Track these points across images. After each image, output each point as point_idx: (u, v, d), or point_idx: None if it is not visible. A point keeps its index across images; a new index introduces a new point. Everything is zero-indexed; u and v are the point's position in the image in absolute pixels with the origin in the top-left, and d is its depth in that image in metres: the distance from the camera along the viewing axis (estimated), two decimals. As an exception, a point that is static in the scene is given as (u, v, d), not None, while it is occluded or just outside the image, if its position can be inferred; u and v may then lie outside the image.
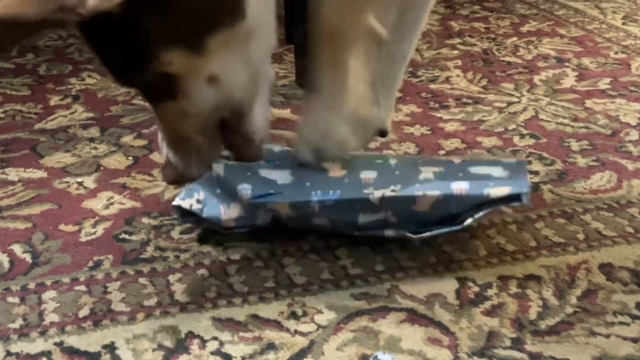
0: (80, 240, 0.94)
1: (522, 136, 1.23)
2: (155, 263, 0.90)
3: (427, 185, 0.89)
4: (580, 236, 0.96)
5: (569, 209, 1.02)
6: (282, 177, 0.92)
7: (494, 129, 1.26)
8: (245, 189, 0.90)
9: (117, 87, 1.37)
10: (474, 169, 0.92)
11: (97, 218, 0.99)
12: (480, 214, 0.89)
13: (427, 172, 0.91)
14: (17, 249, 0.92)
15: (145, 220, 0.99)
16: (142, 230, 0.96)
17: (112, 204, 1.02)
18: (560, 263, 0.91)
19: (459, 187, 0.88)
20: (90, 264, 0.90)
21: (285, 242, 0.93)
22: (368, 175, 0.91)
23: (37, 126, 1.24)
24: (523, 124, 1.27)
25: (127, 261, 0.90)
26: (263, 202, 0.90)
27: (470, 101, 1.36)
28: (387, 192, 0.88)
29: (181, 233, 0.96)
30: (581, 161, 1.15)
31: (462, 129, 1.26)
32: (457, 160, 0.96)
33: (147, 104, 0.85)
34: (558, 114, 1.31)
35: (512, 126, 1.27)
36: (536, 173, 1.11)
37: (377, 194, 0.88)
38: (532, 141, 1.21)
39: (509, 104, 1.35)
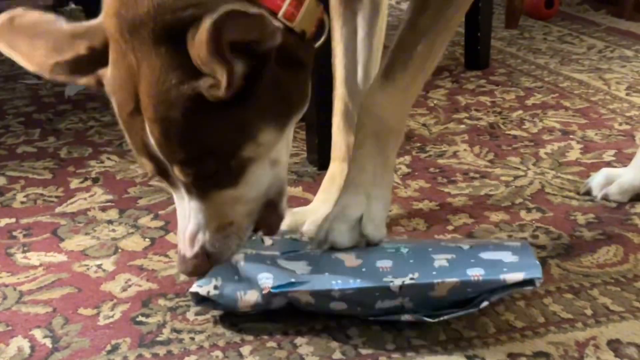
0: (99, 324, 0.97)
1: (529, 210, 1.26)
2: (171, 345, 0.93)
3: (444, 273, 0.93)
4: (588, 312, 0.98)
5: (576, 284, 1.04)
6: (300, 267, 0.96)
7: (501, 203, 1.29)
8: (267, 278, 0.94)
9: (135, 169, 1.42)
10: (485, 255, 0.96)
11: (115, 301, 1.02)
12: (495, 297, 0.92)
13: (440, 260, 0.95)
14: (38, 333, 0.95)
15: (161, 301, 1.01)
16: (158, 312, 0.99)
17: (129, 286, 1.05)
18: (568, 340, 0.92)
19: (475, 273, 0.92)
20: (108, 347, 0.92)
21: (298, 322, 0.96)
22: (384, 264, 0.95)
23: (58, 209, 1.28)
24: (529, 198, 1.30)
25: (144, 344, 0.93)
26: (285, 291, 0.93)
27: (477, 175, 1.40)
28: (407, 280, 0.92)
29: (196, 314, 0.98)
30: (587, 235, 1.17)
31: (470, 204, 1.29)
32: (465, 246, 1.00)
33: (177, 192, 0.89)
34: (564, 187, 1.34)
35: (518, 200, 1.29)
36: (543, 247, 1.14)
37: (397, 282, 0.92)
38: (538, 215, 1.24)
39: (516, 177, 1.38)
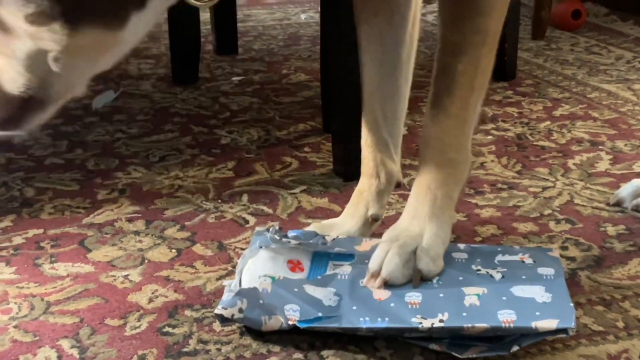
0: (126, 334, 0.97)
1: (558, 221, 1.24)
2: (198, 356, 0.92)
3: (474, 314, 0.91)
4: (620, 324, 0.96)
5: (607, 296, 1.02)
6: (327, 296, 0.95)
7: (530, 214, 1.27)
8: (294, 310, 0.93)
9: (161, 181, 1.43)
10: (517, 291, 0.94)
11: (141, 311, 1.02)
12: (527, 342, 0.90)
13: (471, 296, 0.93)
14: (65, 344, 0.95)
15: (188, 312, 1.01)
16: (185, 323, 0.99)
17: (156, 297, 1.05)
18: (600, 353, 0.91)
19: (506, 318, 0.90)
20: (135, 358, 0.92)
21: (325, 334, 0.95)
22: (413, 299, 0.94)
23: (85, 220, 1.29)
24: (558, 209, 1.28)
25: (170, 355, 0.93)
26: (311, 326, 0.93)
27: (505, 186, 1.38)
28: (436, 323, 0.90)
29: (223, 325, 0.98)
30: (618, 246, 1.15)
31: (498, 215, 1.27)
32: (497, 275, 0.98)
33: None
34: (593, 198, 1.32)
35: (547, 211, 1.28)
36: (573, 259, 1.12)
37: (426, 323, 0.90)
38: (567, 226, 1.22)
39: (544, 188, 1.37)
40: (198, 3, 0.82)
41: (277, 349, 0.93)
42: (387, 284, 0.97)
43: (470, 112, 0.99)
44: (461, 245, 1.07)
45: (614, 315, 0.98)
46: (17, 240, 1.22)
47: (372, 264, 0.99)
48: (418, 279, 0.97)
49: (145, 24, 0.80)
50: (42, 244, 1.21)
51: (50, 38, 0.73)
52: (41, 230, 1.25)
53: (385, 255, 0.98)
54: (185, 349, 0.94)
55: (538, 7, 2.44)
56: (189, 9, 2.02)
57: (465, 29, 0.95)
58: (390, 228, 1.03)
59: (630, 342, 0.92)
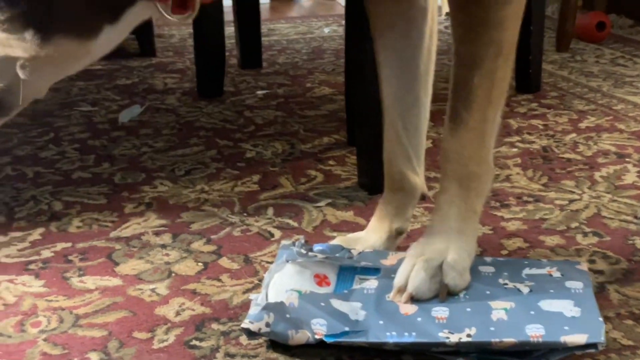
0: (153, 348, 0.98)
1: (585, 234, 1.23)
2: (225, 370, 0.93)
3: (502, 329, 0.90)
4: (650, 338, 0.95)
5: (636, 310, 1.01)
6: (353, 310, 0.95)
7: (556, 227, 1.26)
8: (321, 325, 0.94)
9: (187, 194, 1.44)
10: (545, 305, 0.93)
11: (169, 325, 1.02)
12: (555, 358, 0.89)
13: (498, 310, 0.93)
14: (94, 357, 0.96)
15: (215, 326, 1.02)
16: (212, 336, 0.99)
17: (183, 310, 1.06)
18: (630, 367, 0.90)
19: (535, 333, 0.89)
20: (163, 371, 0.93)
21: (352, 348, 0.95)
22: (440, 313, 0.93)
23: (113, 234, 1.30)
24: (585, 222, 1.27)
25: (198, 368, 0.93)
26: (338, 340, 0.93)
27: (531, 199, 1.38)
28: (463, 338, 0.90)
29: (250, 339, 0.98)
30: (647, 260, 1.14)
31: (524, 228, 1.26)
32: (524, 288, 0.97)
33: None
34: (621, 211, 1.31)
35: (574, 224, 1.27)
36: (601, 272, 1.11)
37: (453, 338, 0.90)
38: (595, 239, 1.21)
39: (571, 201, 1.36)
40: (174, 18, 0.82)
41: (303, 362, 0.93)
42: (413, 299, 0.97)
43: (489, 124, 0.99)
44: (488, 259, 1.06)
45: (643, 329, 0.97)
46: (46, 253, 1.23)
47: (398, 279, 0.98)
48: (445, 293, 0.97)
49: (117, 36, 0.80)
50: (70, 258, 1.22)
51: (20, 46, 0.73)
52: (69, 244, 1.26)
53: (411, 270, 0.98)
54: (212, 362, 0.94)
55: (562, 19, 2.43)
56: (213, 24, 2.04)
57: (479, 42, 0.95)
58: (416, 242, 1.03)
59: (660, 357, 0.91)
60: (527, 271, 1.02)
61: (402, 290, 0.97)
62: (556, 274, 1.00)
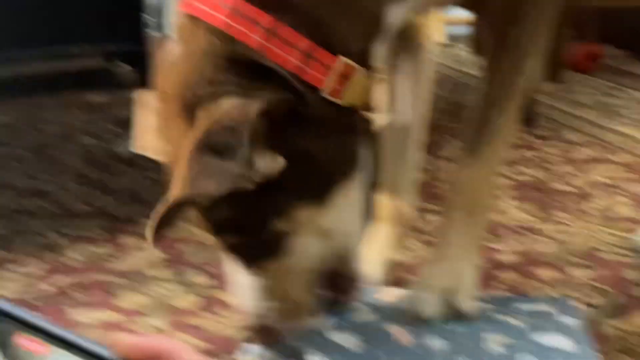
0: (155, 383, 0.98)
1: (579, 267, 1.25)
2: (226, 405, 0.94)
3: None
4: (644, 372, 0.97)
5: (631, 344, 1.03)
6: (351, 342, 0.97)
7: (550, 259, 1.28)
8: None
9: (188, 228, 1.45)
10: (541, 339, 0.95)
11: None
12: None
13: (494, 344, 0.94)
14: (96, 392, 0.97)
15: (215, 361, 1.03)
16: (212, 371, 1.00)
17: (183, 344, 1.07)
18: (624, 401, 0.91)
19: None
20: (164, 406, 0.94)
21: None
22: (437, 346, 0.95)
23: (113, 267, 1.31)
24: (579, 255, 1.29)
25: (198, 403, 0.94)
26: None
27: (524, 231, 1.39)
28: None
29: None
30: (640, 293, 1.16)
31: (518, 261, 1.28)
32: (520, 324, 0.99)
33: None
34: (614, 244, 1.33)
35: (568, 257, 1.29)
36: (595, 307, 1.13)
37: None
38: (589, 272, 1.23)
39: (564, 233, 1.38)
40: None
41: (303, 397, 0.94)
42: (415, 327, 0.98)
43: (500, 160, 1.05)
44: (483, 295, 1.08)
45: (637, 363, 0.99)
46: (44, 287, 1.24)
47: (408, 306, 1.01)
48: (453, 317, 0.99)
49: None
50: (69, 291, 1.23)
51: None
52: (68, 277, 1.28)
53: (419, 298, 1.01)
54: (213, 398, 0.95)
55: (555, 50, 2.46)
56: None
57: (511, 88, 1.01)
58: (422, 270, 1.06)
59: (654, 391, 0.93)
60: (521, 306, 1.04)
61: (412, 314, 1.00)
62: (550, 309, 1.02)
